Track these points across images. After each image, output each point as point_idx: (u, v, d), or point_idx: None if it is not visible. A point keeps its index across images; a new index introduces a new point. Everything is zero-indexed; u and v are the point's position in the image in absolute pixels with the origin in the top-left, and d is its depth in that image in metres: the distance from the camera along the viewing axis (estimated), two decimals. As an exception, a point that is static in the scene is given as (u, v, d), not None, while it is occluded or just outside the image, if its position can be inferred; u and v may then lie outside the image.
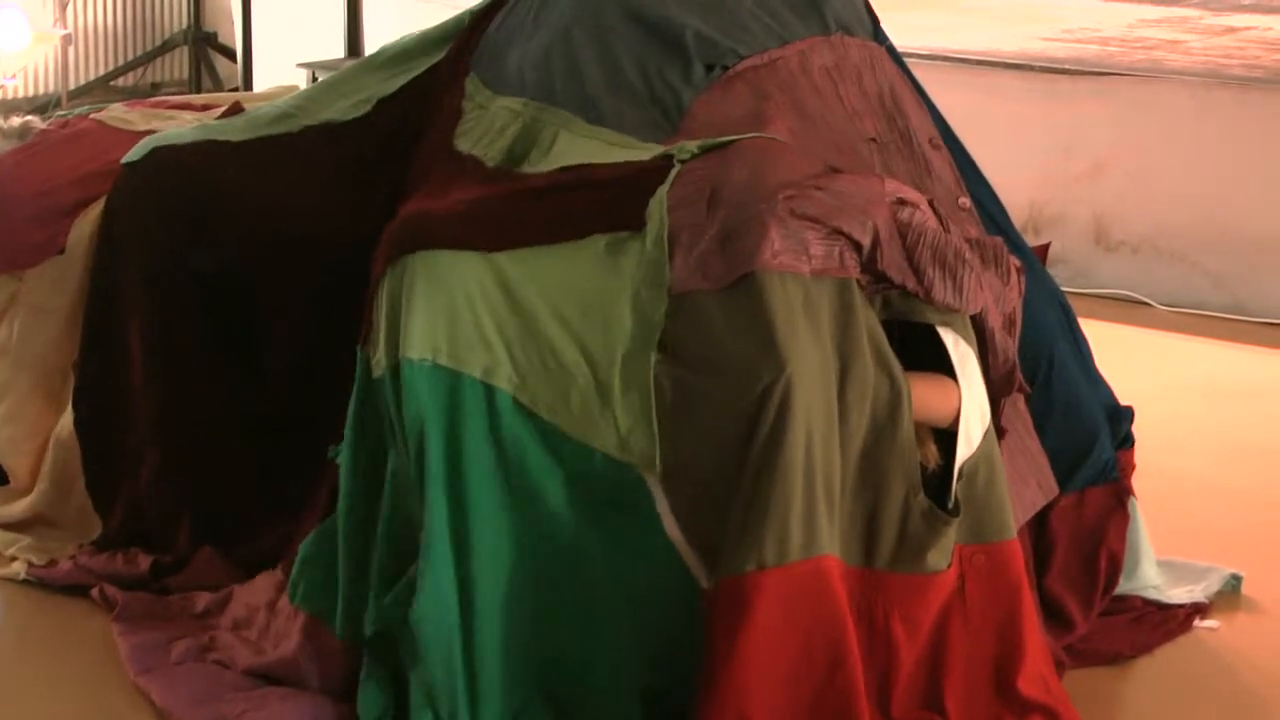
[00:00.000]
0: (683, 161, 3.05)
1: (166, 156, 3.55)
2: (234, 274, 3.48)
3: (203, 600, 3.36)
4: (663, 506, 2.83)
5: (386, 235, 3.08)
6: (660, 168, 3.05)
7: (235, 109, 3.84)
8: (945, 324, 2.98)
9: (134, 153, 3.58)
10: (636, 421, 2.84)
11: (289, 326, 3.46)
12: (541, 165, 3.24)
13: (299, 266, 3.44)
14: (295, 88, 3.98)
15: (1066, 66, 6.07)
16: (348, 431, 3.05)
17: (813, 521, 2.80)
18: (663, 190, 2.99)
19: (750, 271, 2.83)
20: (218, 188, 3.50)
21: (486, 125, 3.38)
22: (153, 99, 4.21)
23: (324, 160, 3.52)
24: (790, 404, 2.77)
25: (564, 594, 2.86)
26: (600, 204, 3.02)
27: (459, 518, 2.87)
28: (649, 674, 2.86)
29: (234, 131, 3.59)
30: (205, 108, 3.96)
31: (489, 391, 2.89)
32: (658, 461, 2.82)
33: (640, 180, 3.03)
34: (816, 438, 2.80)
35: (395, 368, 2.96)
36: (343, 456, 3.06)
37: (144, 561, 3.46)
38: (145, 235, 3.52)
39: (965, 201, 3.35)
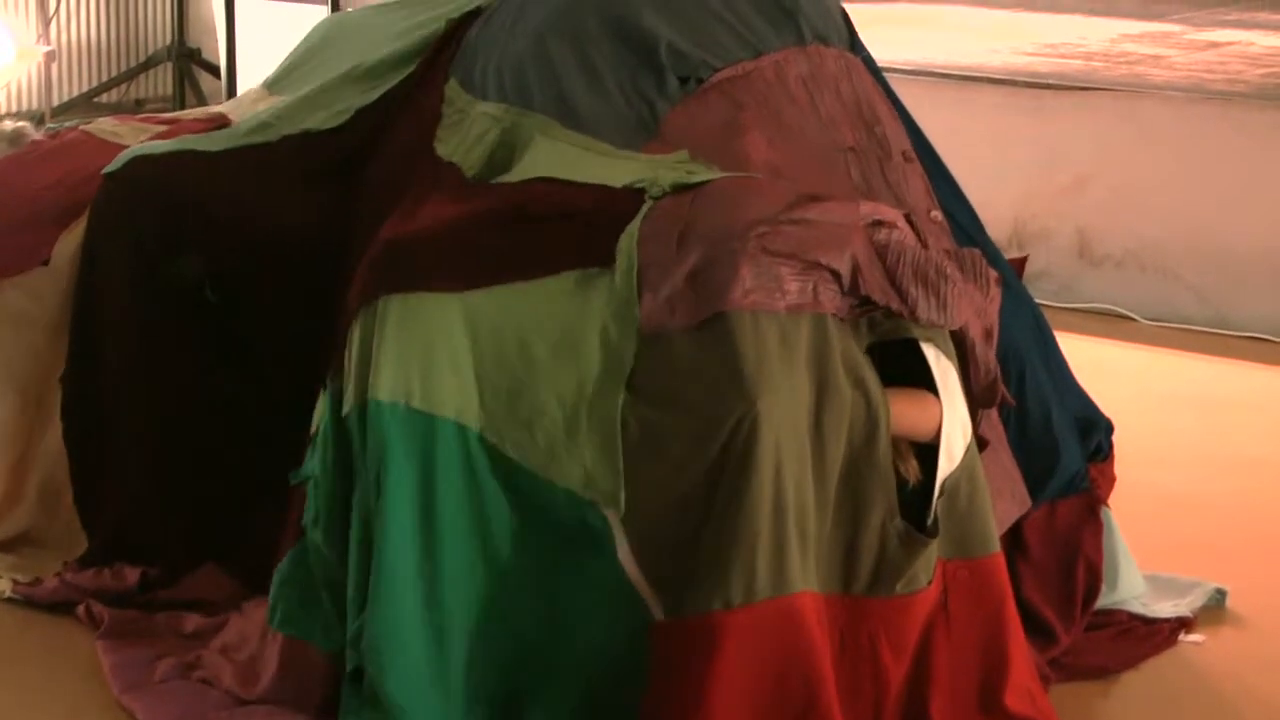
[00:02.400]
0: (655, 198, 3.04)
1: (144, 167, 3.55)
2: (215, 282, 3.47)
3: (192, 621, 3.35)
4: (621, 544, 2.82)
5: (363, 269, 3.07)
6: (632, 200, 3.05)
7: (220, 121, 3.84)
8: (928, 339, 2.98)
9: (114, 163, 3.59)
10: (601, 460, 2.83)
11: (273, 332, 3.45)
12: (516, 170, 3.24)
13: (279, 273, 3.44)
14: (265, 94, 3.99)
15: (1050, 81, 6.08)
16: (318, 462, 3.04)
17: (783, 559, 2.79)
18: (633, 226, 2.98)
19: (721, 311, 2.83)
20: (195, 196, 3.50)
21: (466, 130, 3.39)
22: (141, 115, 4.21)
23: (301, 167, 3.52)
24: (756, 441, 2.76)
25: (524, 630, 2.87)
26: (571, 238, 3.02)
27: (427, 555, 2.88)
28: (596, 707, 2.85)
29: (212, 143, 3.60)
30: (195, 122, 3.94)
31: (461, 432, 2.90)
32: (621, 500, 2.82)
33: (611, 214, 3.03)
34: (788, 474, 2.79)
35: (362, 406, 2.96)
36: (316, 487, 3.05)
37: (131, 575, 3.45)
38: (125, 245, 3.51)
39: (936, 215, 3.36)
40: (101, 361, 3.55)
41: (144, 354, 3.50)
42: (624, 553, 2.82)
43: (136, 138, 3.84)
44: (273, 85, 3.92)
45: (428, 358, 2.93)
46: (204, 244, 3.48)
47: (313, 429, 3.11)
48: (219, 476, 3.46)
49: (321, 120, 3.57)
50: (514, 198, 3.18)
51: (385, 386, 2.94)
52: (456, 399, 2.91)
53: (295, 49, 4.01)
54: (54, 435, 3.61)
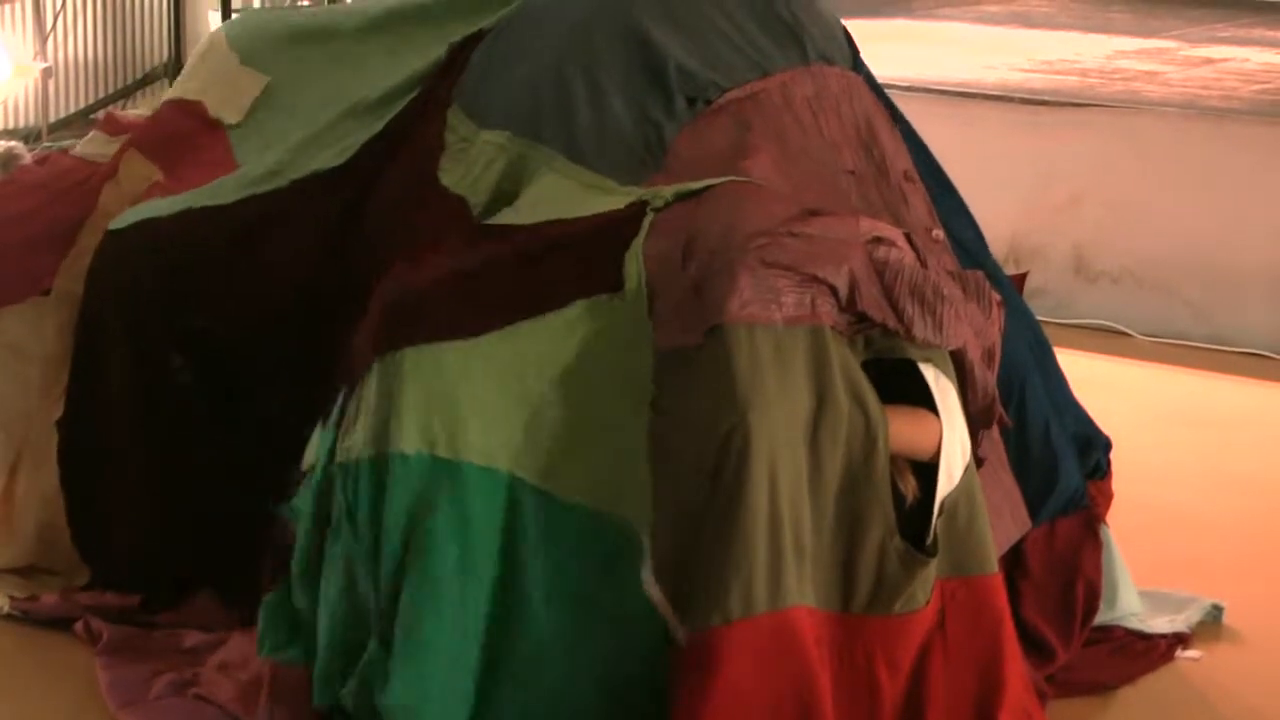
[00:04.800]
0: (656, 210, 3.04)
1: (149, 232, 3.51)
2: (221, 337, 3.45)
3: (192, 638, 3.35)
4: (647, 564, 2.82)
5: (374, 316, 3.05)
6: (634, 216, 3.05)
7: (198, 109, 3.78)
8: (926, 360, 2.98)
9: (120, 220, 3.55)
10: (631, 479, 2.84)
11: (275, 379, 3.43)
12: (520, 206, 3.24)
13: (287, 321, 3.40)
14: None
15: (1046, 98, 6.10)
16: (306, 503, 3.03)
17: (779, 572, 2.79)
18: (637, 243, 2.99)
19: (718, 324, 2.83)
20: (202, 258, 3.47)
21: (471, 161, 3.37)
22: (121, 120, 4.15)
23: (311, 214, 3.47)
24: (749, 454, 2.77)
25: (558, 681, 2.86)
26: (576, 267, 3.02)
27: (463, 603, 2.87)
28: None
29: (222, 195, 3.55)
30: (178, 116, 3.87)
31: (491, 476, 2.88)
32: (651, 518, 2.82)
33: (614, 234, 3.03)
34: (784, 488, 2.79)
35: (379, 458, 2.94)
36: (300, 527, 3.05)
37: (132, 597, 3.45)
38: (128, 308, 3.48)
39: (938, 234, 3.35)
40: (99, 411, 3.53)
41: (142, 406, 3.48)
42: (648, 574, 2.82)
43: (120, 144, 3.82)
44: (245, 58, 3.84)
45: (450, 406, 2.92)
46: (208, 304, 3.46)
47: (305, 465, 3.10)
48: (219, 517, 3.44)
49: (327, 159, 3.53)
50: (518, 244, 3.17)
51: (409, 438, 2.92)
52: (482, 443, 2.90)
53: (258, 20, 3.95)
54: (51, 477, 3.57)
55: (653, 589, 2.82)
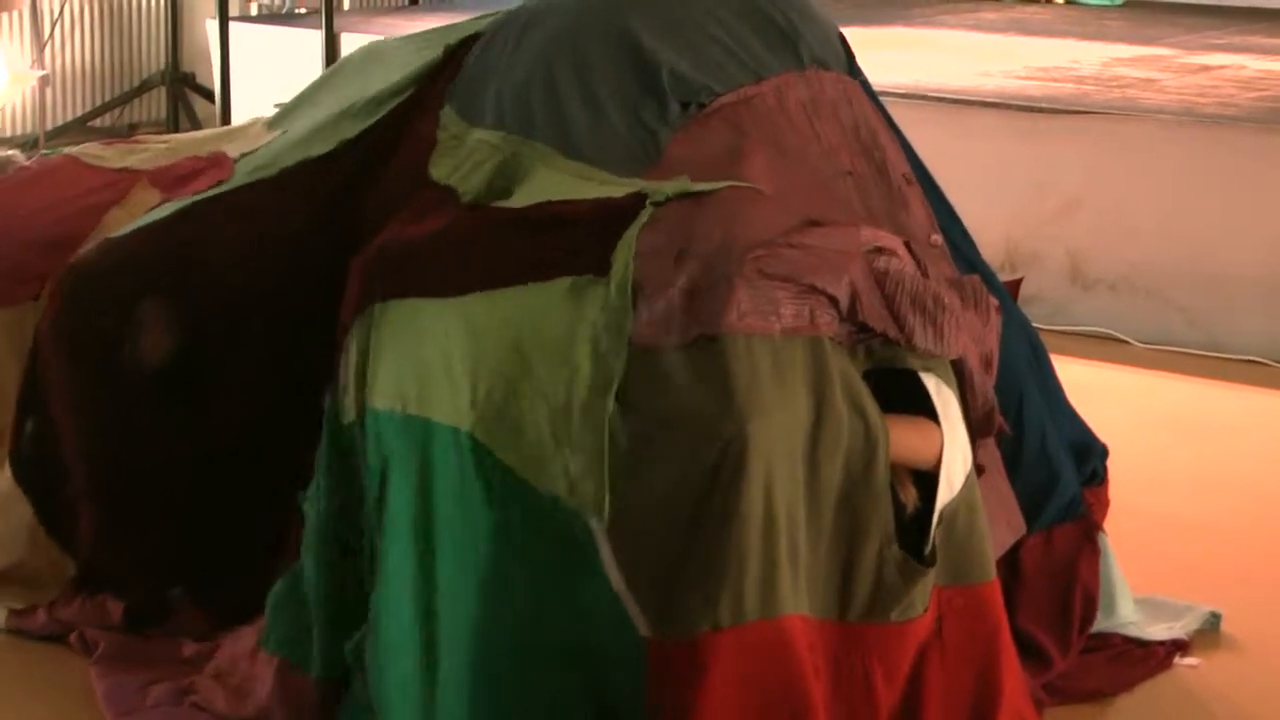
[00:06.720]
0: (656, 204, 3.04)
1: (142, 233, 3.47)
2: (186, 341, 3.42)
3: (190, 647, 3.35)
4: (606, 555, 2.80)
5: (355, 273, 3.07)
6: (631, 208, 3.04)
7: (219, 162, 3.79)
8: (927, 369, 2.98)
9: (120, 230, 3.50)
10: (588, 468, 2.82)
11: (244, 373, 3.40)
12: (517, 197, 3.24)
13: (260, 317, 3.39)
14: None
15: (1042, 105, 6.10)
16: (317, 478, 3.04)
17: (772, 581, 2.78)
18: (631, 234, 2.98)
19: (715, 334, 2.83)
20: (176, 263, 3.43)
21: (463, 157, 3.37)
22: (131, 139, 4.17)
23: (300, 192, 3.46)
24: (746, 463, 2.76)
25: (516, 640, 2.85)
26: (568, 245, 3.00)
27: (424, 564, 2.88)
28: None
29: (216, 190, 3.54)
30: (192, 160, 3.87)
31: (455, 436, 2.89)
32: (606, 509, 2.81)
33: (610, 221, 3.02)
34: (780, 498, 2.78)
35: (360, 417, 2.96)
36: (309, 503, 3.05)
37: (115, 610, 3.44)
38: (94, 284, 3.44)
39: (937, 239, 3.35)
40: (45, 409, 3.48)
41: (89, 405, 3.44)
42: (609, 563, 2.80)
43: (123, 161, 3.81)
44: (272, 123, 3.88)
45: (422, 363, 2.93)
46: (179, 314, 3.42)
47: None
48: (177, 515, 3.42)
49: (319, 151, 3.52)
50: (510, 217, 3.17)
51: (381, 394, 2.94)
52: (449, 403, 2.90)
53: (297, 94, 3.98)
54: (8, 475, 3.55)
55: (617, 580, 2.80)
